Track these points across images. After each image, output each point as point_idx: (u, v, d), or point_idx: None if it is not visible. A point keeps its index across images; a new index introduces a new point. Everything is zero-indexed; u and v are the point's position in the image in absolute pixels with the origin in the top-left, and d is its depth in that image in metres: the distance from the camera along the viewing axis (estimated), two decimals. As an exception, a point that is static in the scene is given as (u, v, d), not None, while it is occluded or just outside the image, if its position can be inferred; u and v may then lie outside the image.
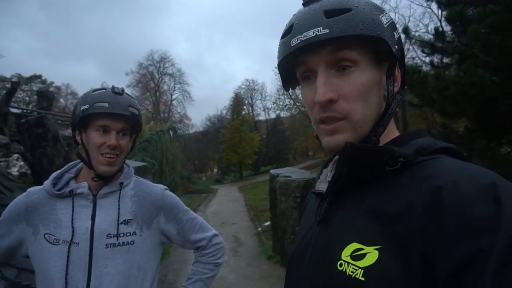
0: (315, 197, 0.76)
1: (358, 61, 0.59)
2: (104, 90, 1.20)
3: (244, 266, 5.84)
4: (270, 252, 6.33)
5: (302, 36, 0.58)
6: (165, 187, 1.36)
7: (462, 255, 0.40)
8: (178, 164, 17.90)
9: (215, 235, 1.40)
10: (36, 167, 5.67)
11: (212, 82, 73.89)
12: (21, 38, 60.17)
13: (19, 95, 27.83)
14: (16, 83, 11.46)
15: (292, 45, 0.60)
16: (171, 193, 1.36)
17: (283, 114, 37.51)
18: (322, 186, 0.73)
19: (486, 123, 3.72)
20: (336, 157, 0.73)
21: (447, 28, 4.59)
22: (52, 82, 32.15)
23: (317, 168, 19.47)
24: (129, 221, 1.20)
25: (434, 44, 4.56)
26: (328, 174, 0.74)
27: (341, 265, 0.54)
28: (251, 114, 38.72)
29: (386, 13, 0.63)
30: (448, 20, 3.48)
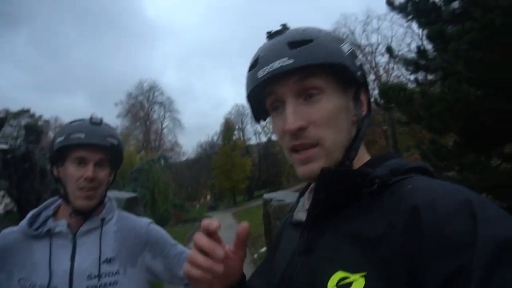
0: (293, 227, 0.75)
1: (324, 88, 0.61)
2: (81, 121, 1.17)
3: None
4: (267, 280, 6.16)
5: (269, 67, 0.60)
6: (150, 220, 1.29)
7: (446, 272, 0.41)
8: (170, 192, 17.65)
9: None
10: (23, 203, 5.50)
11: (202, 109, 74.28)
12: (8, 72, 60.16)
13: (6, 130, 27.53)
14: (2, 119, 11.33)
15: (259, 77, 0.61)
16: (156, 226, 1.29)
17: (275, 137, 37.64)
18: (300, 215, 0.72)
19: (473, 137, 3.76)
20: (312, 185, 0.73)
21: (428, 46, 4.71)
22: (40, 116, 31.99)
23: (311, 190, 19.40)
24: (112, 259, 1.13)
25: (418, 62, 4.66)
26: (305, 202, 0.73)
27: None
28: (242, 139, 38.78)
29: (347, 42, 0.66)
30: (429, 38, 3.56)
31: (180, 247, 1.31)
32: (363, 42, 24.67)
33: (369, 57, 23.76)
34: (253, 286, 0.78)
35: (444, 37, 3.31)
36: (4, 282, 1.07)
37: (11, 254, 1.09)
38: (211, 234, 0.60)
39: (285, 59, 0.59)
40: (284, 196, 6.19)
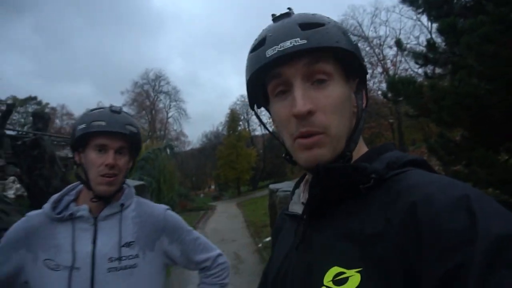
0: (289, 219, 0.74)
1: (332, 74, 0.60)
2: (102, 109, 1.20)
3: (246, 284, 5.73)
4: (272, 269, 6.24)
5: (279, 47, 0.57)
6: (167, 207, 1.33)
7: (443, 270, 0.40)
8: (175, 182, 17.76)
9: (220, 254, 1.37)
10: (33, 189, 5.60)
11: (207, 99, 74.21)
12: (15, 61, 60.12)
13: (14, 117, 27.77)
14: (11, 105, 11.45)
15: (267, 55, 0.58)
16: (173, 213, 1.34)
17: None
18: (295, 208, 0.71)
19: (482, 131, 3.75)
20: (307, 177, 0.73)
21: (437, 39, 4.68)
22: (47, 103, 32.14)
23: (315, 182, 19.41)
24: (131, 243, 1.18)
25: (427, 55, 4.64)
26: (300, 195, 0.73)
27: None
28: (247, 129, 38.77)
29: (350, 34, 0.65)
30: (440, 31, 3.54)
31: (195, 233, 1.35)
32: (371, 34, 24.32)
33: (377, 50, 23.48)
34: None
35: (456, 30, 3.29)
36: (30, 262, 1.11)
37: (37, 235, 1.13)
38: None
39: (297, 39, 0.56)
40: (290, 186, 6.18)
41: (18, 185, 6.25)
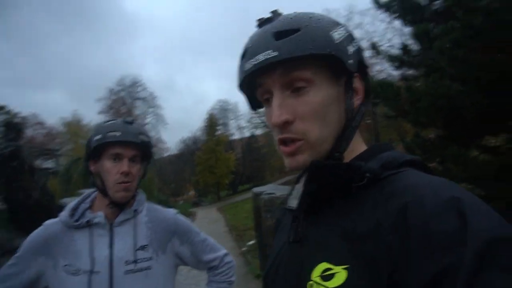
0: (287, 213, 0.76)
1: (312, 80, 0.60)
2: (115, 121, 1.26)
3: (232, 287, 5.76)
4: (258, 271, 6.29)
5: (254, 60, 0.59)
6: (176, 211, 1.41)
7: (430, 273, 0.40)
8: (154, 188, 17.51)
9: (226, 254, 1.45)
10: (12, 202, 5.43)
11: (184, 104, 73.50)
12: (-20, 68, 57.52)
13: (-19, 127, 26.49)
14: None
15: (245, 69, 0.61)
16: (182, 216, 1.41)
17: (258, 132, 37.87)
18: (293, 202, 0.71)
19: (454, 130, 3.97)
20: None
21: (409, 42, 4.90)
22: (17, 113, 30.90)
23: (295, 184, 19.56)
24: (145, 246, 1.24)
25: (402, 58, 4.87)
26: (300, 190, 0.71)
27: (311, 285, 0.54)
28: (225, 134, 38.73)
29: (342, 26, 0.64)
30: (415, 36, 3.75)
31: (203, 234, 1.42)
32: (345, 37, 24.84)
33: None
34: None
35: (429, 35, 3.49)
36: (50, 268, 1.16)
37: (56, 243, 1.18)
38: None
39: (269, 51, 0.57)
40: (274, 189, 6.30)
41: (-5, 197, 6.04)
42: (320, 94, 0.60)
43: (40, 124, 32.52)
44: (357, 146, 0.66)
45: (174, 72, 79.93)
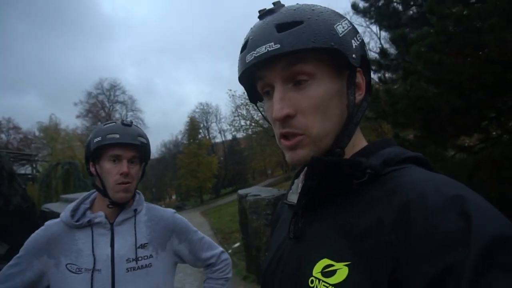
0: (287, 208, 0.76)
1: (314, 74, 0.58)
2: (114, 123, 1.30)
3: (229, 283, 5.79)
4: (245, 272, 6.36)
5: (255, 52, 0.58)
6: (174, 210, 1.46)
7: (433, 272, 0.40)
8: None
9: (223, 251, 1.51)
10: (-9, 209, 5.29)
11: (164, 107, 73.01)
12: None
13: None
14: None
15: (247, 61, 0.59)
16: (180, 216, 1.46)
17: (239, 135, 37.91)
18: (293, 197, 0.71)
19: (432, 131, 4.16)
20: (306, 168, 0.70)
21: (386, 45, 5.09)
22: (-10, 118, 29.86)
23: (280, 185, 19.73)
24: (145, 245, 1.28)
25: (380, 61, 5.06)
26: (300, 185, 0.72)
27: (312, 281, 0.53)
28: (207, 137, 38.58)
29: (345, 19, 0.63)
30: (392, 41, 3.92)
31: (200, 233, 1.48)
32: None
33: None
34: None
35: (406, 40, 3.66)
36: (53, 267, 1.19)
37: (57, 242, 1.21)
38: None
39: (271, 43, 0.56)
40: (259, 191, 6.38)
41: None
42: (322, 88, 0.59)
43: (15, 128, 31.51)
44: (358, 142, 0.66)
45: (153, 75, 79.36)
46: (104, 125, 1.30)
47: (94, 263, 1.18)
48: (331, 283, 0.50)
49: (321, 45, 0.56)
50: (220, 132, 41.86)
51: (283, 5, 0.62)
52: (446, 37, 3.30)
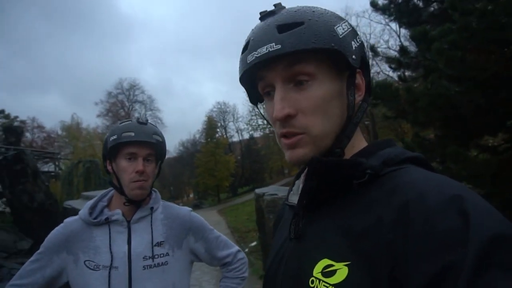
0: (288, 209, 0.76)
1: (314, 74, 0.59)
2: (130, 121, 1.31)
3: (245, 282, 5.82)
4: (262, 272, 6.35)
5: (257, 53, 0.58)
6: (190, 208, 1.46)
7: (432, 271, 0.40)
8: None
9: (239, 250, 1.51)
10: (16, 205, 5.48)
11: (182, 106, 73.82)
12: (-26, 72, 57.28)
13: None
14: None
15: (248, 62, 0.60)
16: (196, 214, 1.46)
17: (257, 134, 38.00)
18: (294, 198, 0.71)
19: (453, 130, 4.05)
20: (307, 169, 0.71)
21: (406, 43, 4.99)
22: (16, 117, 30.91)
23: (295, 185, 19.63)
24: (162, 243, 1.29)
25: (400, 59, 4.96)
26: (300, 186, 0.72)
27: (312, 282, 0.53)
28: (225, 136, 38.81)
29: (345, 21, 0.63)
30: (413, 38, 3.83)
31: (216, 231, 1.49)
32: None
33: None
34: None
35: (427, 37, 3.58)
36: (72, 263, 1.22)
37: (77, 239, 1.24)
38: None
39: (272, 44, 0.57)
40: (276, 190, 6.36)
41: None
42: (322, 89, 0.59)
43: (39, 127, 32.51)
44: (358, 142, 0.66)
45: (171, 75, 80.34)
46: (121, 123, 1.32)
47: (112, 260, 1.20)
48: (331, 283, 0.50)
49: (322, 46, 0.57)
50: (237, 131, 42.06)
51: (284, 7, 0.64)
52: (469, 34, 3.21)
